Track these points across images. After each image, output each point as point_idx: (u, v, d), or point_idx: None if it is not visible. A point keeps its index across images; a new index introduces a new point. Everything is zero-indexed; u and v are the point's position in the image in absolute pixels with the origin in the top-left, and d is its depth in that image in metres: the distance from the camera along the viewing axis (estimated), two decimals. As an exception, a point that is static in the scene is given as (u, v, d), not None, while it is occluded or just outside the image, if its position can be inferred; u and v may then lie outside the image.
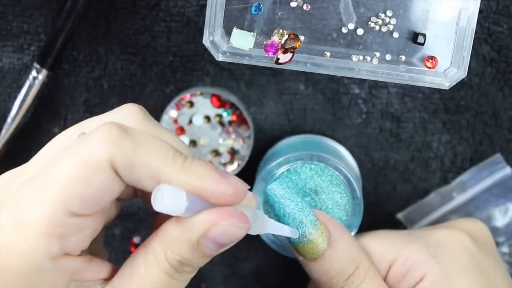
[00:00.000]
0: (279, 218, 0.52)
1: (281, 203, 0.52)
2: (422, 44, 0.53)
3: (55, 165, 0.43)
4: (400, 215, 0.64)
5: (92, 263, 0.46)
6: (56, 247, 0.43)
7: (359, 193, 0.55)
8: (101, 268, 0.46)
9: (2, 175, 0.46)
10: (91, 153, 0.42)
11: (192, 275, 0.46)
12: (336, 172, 0.54)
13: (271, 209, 0.53)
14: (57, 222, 0.42)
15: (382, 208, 0.64)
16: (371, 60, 0.54)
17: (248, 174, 0.62)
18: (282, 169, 0.54)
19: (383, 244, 0.53)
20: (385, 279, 0.53)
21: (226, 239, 0.43)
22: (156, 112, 0.62)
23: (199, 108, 0.62)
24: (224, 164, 0.63)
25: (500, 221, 0.65)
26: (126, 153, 0.42)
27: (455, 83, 0.53)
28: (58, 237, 0.43)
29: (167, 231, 0.44)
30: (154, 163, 0.42)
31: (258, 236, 0.56)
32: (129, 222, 0.65)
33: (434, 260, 0.52)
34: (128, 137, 0.42)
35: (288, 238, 0.52)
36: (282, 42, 0.52)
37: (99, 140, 0.42)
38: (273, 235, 0.56)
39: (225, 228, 0.43)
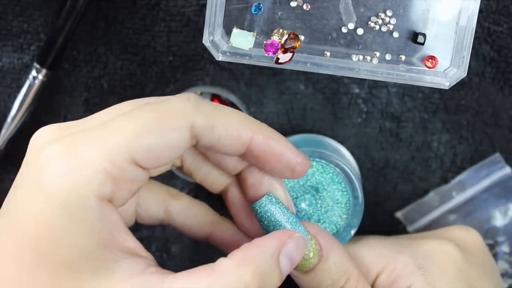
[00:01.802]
0: (267, 232, 0.50)
1: (270, 218, 0.50)
2: (422, 44, 0.53)
3: (128, 115, 0.43)
4: (399, 214, 0.64)
5: (131, 234, 0.44)
6: (108, 187, 0.42)
7: (359, 192, 0.55)
8: (138, 243, 0.44)
9: (53, 125, 0.45)
10: (173, 111, 0.43)
11: None
12: (338, 170, 0.54)
13: (260, 223, 0.51)
14: (118, 163, 0.42)
15: (382, 208, 0.64)
16: (371, 60, 0.54)
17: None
18: None
19: (371, 253, 0.54)
20: None
21: (298, 253, 0.47)
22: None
23: (199, 108, 0.62)
24: None
25: (500, 221, 0.65)
26: (207, 115, 0.44)
27: (455, 83, 0.53)
28: (113, 178, 0.42)
29: (242, 251, 0.45)
30: (234, 122, 0.45)
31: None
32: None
33: (420, 271, 0.52)
34: (207, 102, 0.45)
35: None
36: (282, 42, 0.52)
37: (181, 104, 0.44)
38: None
39: (297, 240, 0.47)
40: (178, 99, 0.44)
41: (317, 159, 0.54)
